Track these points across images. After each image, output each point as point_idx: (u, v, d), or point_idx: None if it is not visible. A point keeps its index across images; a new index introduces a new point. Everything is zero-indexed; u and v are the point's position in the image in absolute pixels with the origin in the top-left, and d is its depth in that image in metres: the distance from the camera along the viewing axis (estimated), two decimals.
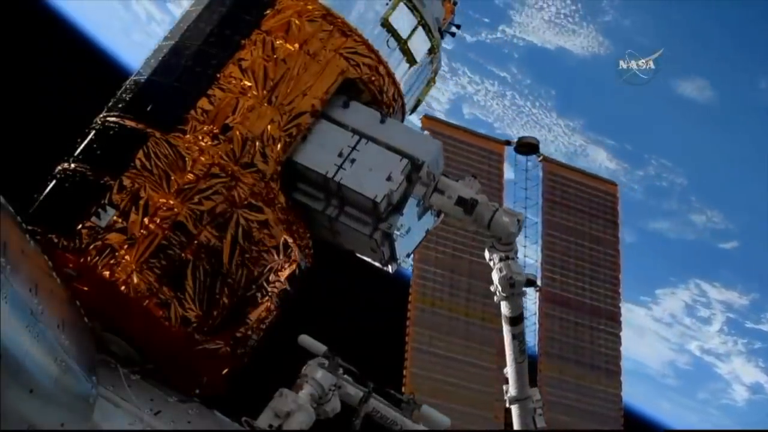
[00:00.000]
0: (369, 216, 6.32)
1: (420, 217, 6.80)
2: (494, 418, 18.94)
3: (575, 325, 20.67)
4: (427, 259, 19.64)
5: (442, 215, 6.94)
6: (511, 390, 8.78)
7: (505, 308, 7.68)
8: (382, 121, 6.59)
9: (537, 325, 20.80)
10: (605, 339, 20.33)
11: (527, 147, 20.99)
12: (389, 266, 6.89)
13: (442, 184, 6.64)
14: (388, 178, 6.20)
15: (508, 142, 20.94)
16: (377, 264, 6.88)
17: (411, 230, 6.65)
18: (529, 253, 20.91)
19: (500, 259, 7.23)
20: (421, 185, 6.49)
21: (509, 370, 8.53)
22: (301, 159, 6.32)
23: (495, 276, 7.33)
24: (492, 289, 7.47)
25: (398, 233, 6.40)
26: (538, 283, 21.76)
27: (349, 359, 6.58)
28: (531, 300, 22.10)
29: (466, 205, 6.60)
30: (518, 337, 7.93)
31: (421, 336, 18.84)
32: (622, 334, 20.63)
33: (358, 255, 6.95)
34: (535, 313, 20.96)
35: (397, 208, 6.37)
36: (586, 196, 21.81)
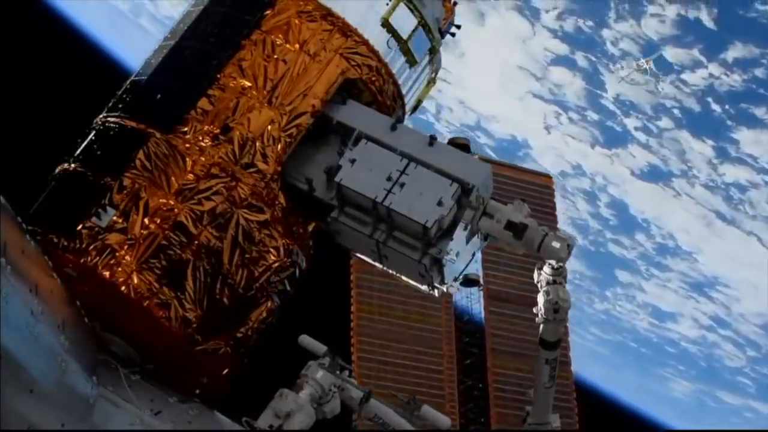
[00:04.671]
0: (418, 241, 6.18)
1: (468, 241, 6.62)
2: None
3: (520, 320, 20.80)
4: (364, 268, 19.53)
5: (490, 239, 6.73)
6: (532, 414, 8.61)
7: (543, 332, 7.51)
8: (431, 144, 6.46)
9: (483, 323, 20.91)
10: None
11: (458, 147, 20.62)
12: (436, 291, 6.71)
13: (491, 208, 6.44)
14: (439, 203, 6.07)
15: None
16: (423, 288, 6.70)
17: (459, 254, 6.48)
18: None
19: (547, 283, 7.06)
20: (470, 209, 6.33)
21: (534, 394, 8.33)
22: (349, 183, 6.19)
23: (540, 299, 7.14)
24: (534, 310, 7.32)
25: (448, 258, 6.24)
26: (481, 282, 21.98)
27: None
28: (475, 299, 22.49)
29: (516, 229, 6.40)
30: (551, 363, 7.65)
31: (366, 345, 18.86)
32: (568, 324, 20.72)
33: (405, 279, 6.79)
34: (481, 312, 21.04)
35: (447, 232, 6.22)
36: (521, 190, 21.95)
